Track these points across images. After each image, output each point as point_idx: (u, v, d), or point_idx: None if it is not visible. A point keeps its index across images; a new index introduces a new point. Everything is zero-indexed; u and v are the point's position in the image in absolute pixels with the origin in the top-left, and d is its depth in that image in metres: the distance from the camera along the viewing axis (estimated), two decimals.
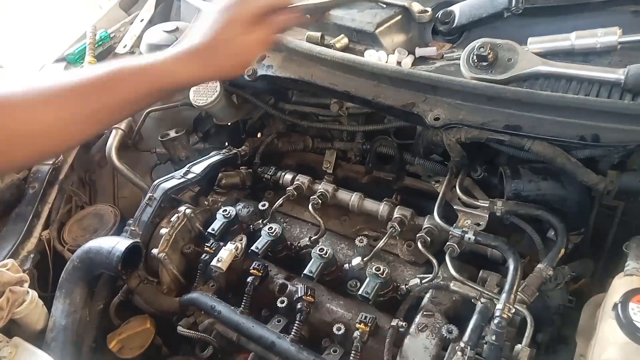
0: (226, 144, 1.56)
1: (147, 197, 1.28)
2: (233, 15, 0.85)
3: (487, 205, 1.02)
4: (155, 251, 1.21)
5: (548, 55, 0.99)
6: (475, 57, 0.96)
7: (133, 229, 1.26)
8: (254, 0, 0.87)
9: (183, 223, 1.25)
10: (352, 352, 0.99)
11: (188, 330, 1.13)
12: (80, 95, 0.74)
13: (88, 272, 1.22)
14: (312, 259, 1.11)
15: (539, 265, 0.93)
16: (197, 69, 0.84)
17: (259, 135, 1.58)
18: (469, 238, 0.98)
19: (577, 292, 1.03)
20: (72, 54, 1.62)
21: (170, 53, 0.83)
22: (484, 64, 0.96)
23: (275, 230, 1.17)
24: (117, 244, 1.15)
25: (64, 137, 0.75)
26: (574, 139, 0.93)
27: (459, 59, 1.01)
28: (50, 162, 1.42)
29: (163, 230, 1.23)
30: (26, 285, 1.15)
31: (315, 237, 1.19)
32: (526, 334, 0.86)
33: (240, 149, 1.43)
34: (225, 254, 1.16)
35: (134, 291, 1.23)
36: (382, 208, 1.17)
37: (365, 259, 1.10)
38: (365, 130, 1.34)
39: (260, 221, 1.26)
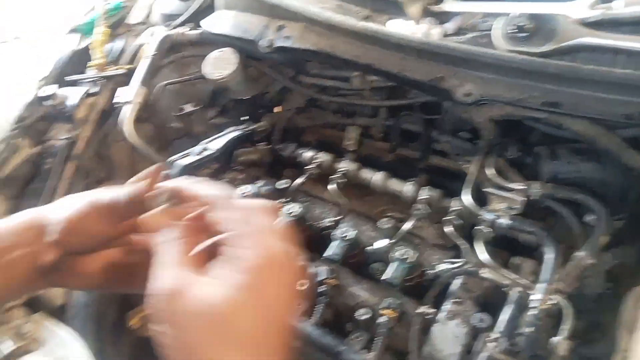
0: (243, 118, 1.51)
1: (162, 174, 1.25)
2: None
3: (522, 188, 0.96)
4: None
5: (593, 25, 0.90)
6: (512, 28, 0.89)
7: None
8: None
9: None
10: (377, 338, 0.96)
11: None
12: None
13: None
14: (335, 241, 1.07)
15: (579, 253, 0.87)
16: None
17: (275, 109, 1.52)
18: (503, 223, 0.93)
19: (615, 278, 0.98)
20: (85, 24, 1.57)
21: None
22: (522, 35, 0.88)
23: (295, 210, 1.13)
24: None
25: None
26: (619, 117, 0.86)
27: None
28: (65, 137, 1.38)
29: None
30: None
31: (338, 218, 1.15)
32: (565, 326, 0.82)
33: (258, 125, 1.38)
34: None
35: None
36: (407, 188, 1.12)
37: (390, 242, 1.05)
38: (390, 105, 1.28)
39: (280, 200, 1.22)
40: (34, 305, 1.14)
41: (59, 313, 1.17)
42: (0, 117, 1.40)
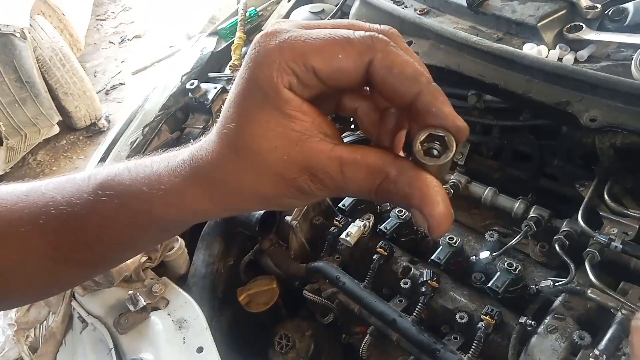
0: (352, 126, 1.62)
1: None
2: None
3: (638, 215, 0.98)
4: (288, 218, 1.30)
5: None
6: None
7: None
8: None
9: None
10: (475, 342, 1.00)
11: (313, 295, 1.21)
12: (46, 230, 0.50)
13: (227, 229, 1.35)
14: (441, 247, 1.13)
15: None
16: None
17: None
18: (616, 246, 0.94)
19: None
20: (224, 28, 1.76)
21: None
22: None
23: (404, 213, 1.21)
24: None
25: (34, 284, 0.55)
26: None
27: (627, 59, 0.96)
28: (201, 126, 1.55)
29: None
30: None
31: None
32: None
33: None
34: (354, 229, 1.21)
35: (265, 252, 1.33)
36: (517, 205, 1.16)
37: (494, 254, 1.10)
38: (502, 125, 1.32)
39: (387, 204, 1.30)
40: (161, 271, 1.29)
41: (181, 281, 1.31)
42: (148, 105, 1.60)
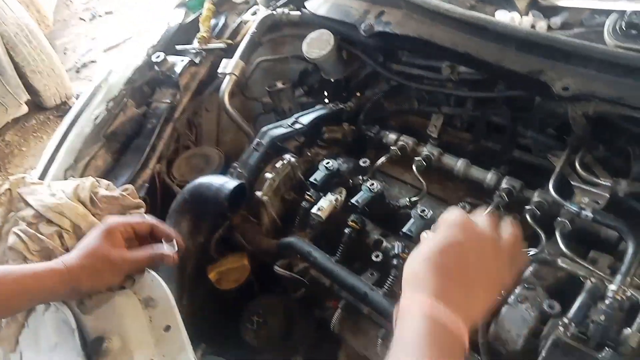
0: (326, 100, 1.59)
1: (255, 142, 1.34)
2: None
3: (609, 184, 0.97)
4: (259, 193, 1.26)
5: None
6: (623, 24, 0.90)
7: (240, 171, 1.32)
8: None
9: (287, 170, 1.29)
10: None
11: (284, 270, 1.19)
12: None
13: (196, 206, 1.30)
14: (412, 219, 1.11)
15: None
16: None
17: (358, 94, 1.58)
18: (587, 215, 0.94)
19: None
20: (193, 0, 1.69)
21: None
22: (634, 32, 0.89)
23: (376, 186, 1.19)
24: (226, 182, 1.22)
25: None
26: None
27: (600, 25, 0.94)
28: (168, 101, 1.50)
29: (267, 175, 1.28)
30: (142, 210, 1.26)
31: (416, 198, 1.19)
32: (638, 320, 0.83)
33: (345, 105, 1.44)
34: (326, 204, 1.19)
35: (235, 228, 1.30)
36: (489, 177, 1.15)
37: None
38: (476, 97, 1.31)
39: (360, 177, 1.28)
40: None
41: None
42: (112, 78, 1.54)
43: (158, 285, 1.14)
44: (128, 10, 5.27)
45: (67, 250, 1.10)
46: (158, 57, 1.48)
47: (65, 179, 1.36)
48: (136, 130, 1.51)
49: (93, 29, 5.16)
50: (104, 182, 1.30)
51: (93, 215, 1.20)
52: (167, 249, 1.06)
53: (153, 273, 1.17)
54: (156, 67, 1.50)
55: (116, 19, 5.24)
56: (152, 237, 1.08)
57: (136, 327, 1.07)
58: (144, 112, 1.53)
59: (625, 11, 0.90)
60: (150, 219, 1.09)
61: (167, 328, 1.06)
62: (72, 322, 1.07)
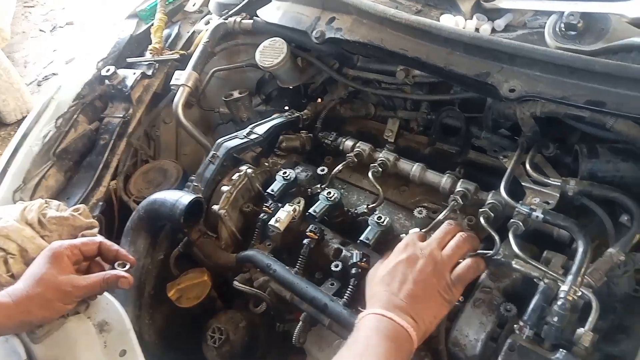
0: (286, 107, 1.57)
1: (210, 154, 1.31)
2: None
3: (558, 184, 0.98)
4: (215, 207, 1.24)
5: None
6: (562, 26, 0.90)
7: (195, 184, 1.29)
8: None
9: (244, 182, 1.27)
10: None
11: (243, 285, 1.16)
12: None
13: (152, 223, 1.27)
14: (369, 227, 1.10)
15: (610, 250, 0.88)
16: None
17: (318, 100, 1.57)
18: (537, 216, 0.94)
19: None
20: (144, 10, 1.66)
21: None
22: (572, 33, 0.90)
23: (333, 195, 1.17)
24: (181, 197, 1.19)
25: None
26: None
27: (542, 26, 0.95)
28: (121, 116, 1.46)
29: (224, 188, 1.26)
30: (96, 230, 1.22)
31: (373, 205, 1.18)
32: (590, 319, 0.83)
33: (302, 113, 1.43)
34: (283, 215, 1.17)
35: (193, 244, 1.27)
36: (444, 180, 1.14)
37: (423, 231, 1.08)
38: (431, 100, 1.31)
39: (318, 186, 1.26)
40: None
41: None
42: (61, 94, 1.49)
43: (113, 308, 1.11)
44: (89, 20, 5.16)
45: (13, 276, 1.06)
46: (108, 70, 1.45)
47: (14, 201, 1.31)
48: (89, 147, 1.47)
49: (54, 41, 5.04)
50: (55, 202, 1.26)
51: (42, 237, 1.16)
52: (117, 270, 1.03)
53: (108, 296, 1.14)
54: (107, 81, 1.46)
55: (77, 30, 5.13)
56: (101, 256, 1.05)
57: (90, 353, 1.03)
58: (96, 128, 1.48)
59: (563, 12, 0.91)
60: (97, 238, 1.05)
61: (123, 352, 1.04)
62: (22, 352, 1.03)
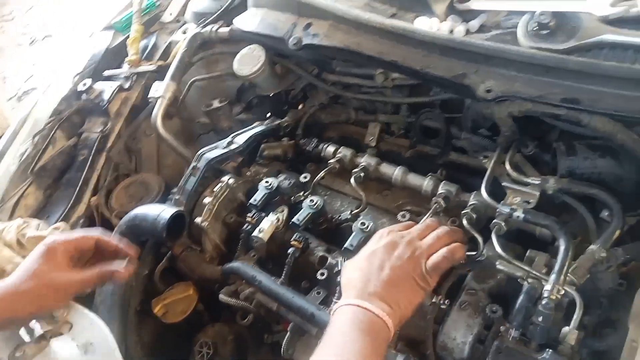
0: (268, 114, 1.56)
1: (191, 166, 1.30)
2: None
3: (538, 182, 0.98)
4: (198, 220, 1.22)
5: (615, 23, 0.92)
6: (535, 25, 0.91)
7: (177, 197, 1.28)
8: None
9: (226, 193, 1.26)
10: None
11: (229, 298, 1.15)
12: None
13: (134, 238, 1.25)
14: (354, 233, 1.10)
15: (592, 247, 0.89)
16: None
17: (300, 106, 1.56)
18: (518, 216, 0.94)
19: (628, 276, 0.98)
20: (119, 22, 1.64)
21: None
22: (544, 32, 0.90)
23: (316, 202, 1.17)
24: (162, 211, 1.17)
25: None
26: (639, 114, 0.87)
27: (515, 26, 0.95)
28: (99, 130, 1.44)
29: (206, 200, 1.25)
30: None
31: (357, 210, 1.18)
32: (574, 317, 0.83)
33: (282, 121, 1.42)
34: (267, 225, 1.16)
35: (178, 258, 1.26)
36: (426, 183, 1.14)
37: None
38: (411, 103, 1.30)
39: (301, 193, 1.25)
40: None
41: (88, 299, 1.22)
42: (38, 110, 1.47)
43: (97, 328, 1.09)
44: (68, 32, 5.11)
45: None
46: (84, 84, 1.43)
47: None
48: (68, 163, 1.46)
49: (33, 54, 4.98)
50: (35, 221, 1.24)
51: (23, 257, 1.14)
52: (116, 265, 0.98)
53: (92, 316, 1.11)
54: (84, 96, 1.44)
55: (56, 43, 5.07)
56: (98, 251, 0.99)
57: None
58: (75, 144, 1.46)
59: (534, 12, 0.91)
60: (94, 234, 0.99)
61: None
62: None
